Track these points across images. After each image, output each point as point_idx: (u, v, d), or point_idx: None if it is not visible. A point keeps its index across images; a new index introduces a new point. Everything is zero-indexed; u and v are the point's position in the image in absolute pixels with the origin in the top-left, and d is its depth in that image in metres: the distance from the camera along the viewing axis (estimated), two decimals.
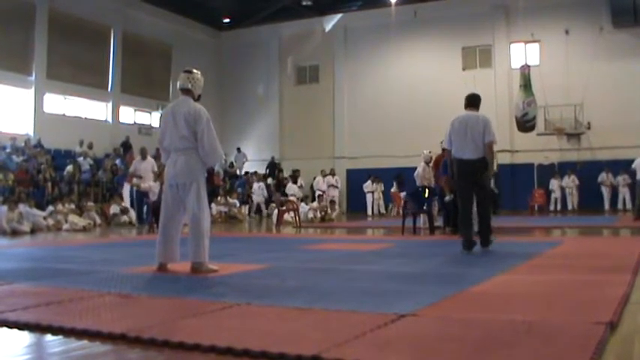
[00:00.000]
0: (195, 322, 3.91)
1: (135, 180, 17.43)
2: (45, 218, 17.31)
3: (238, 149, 31.58)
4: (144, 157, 17.23)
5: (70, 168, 21.33)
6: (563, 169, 26.43)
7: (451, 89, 27.73)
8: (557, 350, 3.10)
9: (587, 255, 8.11)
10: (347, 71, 31.37)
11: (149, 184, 19.45)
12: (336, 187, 26.62)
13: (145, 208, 18.17)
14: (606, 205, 25.38)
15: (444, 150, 9.95)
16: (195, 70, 6.94)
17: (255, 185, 26.39)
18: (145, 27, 29.05)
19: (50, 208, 17.91)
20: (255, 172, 29.52)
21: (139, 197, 17.99)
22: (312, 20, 31.73)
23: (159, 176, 17.02)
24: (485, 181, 8.80)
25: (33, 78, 24.30)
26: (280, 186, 27.64)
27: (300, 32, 32.32)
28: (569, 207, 25.94)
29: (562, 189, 26.17)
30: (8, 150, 21.20)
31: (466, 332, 3.51)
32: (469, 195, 8.69)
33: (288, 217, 19.49)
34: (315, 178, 26.93)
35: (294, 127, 32.12)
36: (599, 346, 3.12)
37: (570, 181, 25.97)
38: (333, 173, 27.17)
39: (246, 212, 25.02)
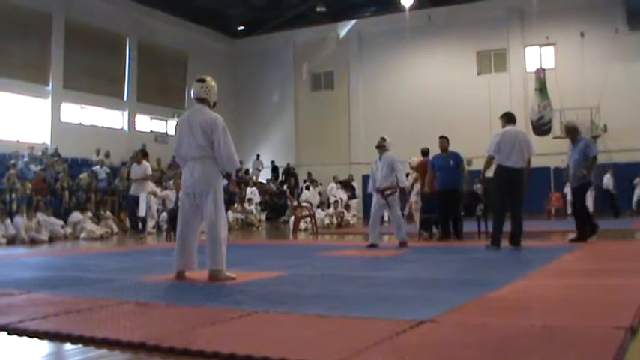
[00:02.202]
0: (214, 329, 3.92)
1: (150, 187, 17.15)
2: (63, 227, 17.42)
3: (257, 156, 31.69)
4: (138, 162, 16.83)
5: (83, 176, 21.39)
6: None
7: (466, 94, 27.77)
8: (576, 355, 3.09)
9: (606, 259, 8.07)
10: (362, 77, 31.39)
11: (166, 192, 19.50)
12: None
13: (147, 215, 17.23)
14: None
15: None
16: (207, 78, 6.93)
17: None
18: (160, 36, 29.19)
19: (78, 216, 17.95)
20: (271, 179, 29.68)
21: (132, 203, 16.98)
22: (326, 27, 31.77)
23: (149, 180, 16.63)
24: (522, 186, 9.90)
25: (50, 88, 24.49)
26: (293, 192, 27.67)
27: (314, 39, 32.38)
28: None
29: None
30: (26, 159, 21.34)
31: (485, 338, 3.49)
32: (505, 197, 9.84)
33: (303, 223, 19.52)
34: (333, 184, 26.91)
35: (310, 134, 32.15)
36: (619, 351, 3.10)
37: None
38: (350, 179, 27.12)
39: (263, 219, 25.01)
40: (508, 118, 10.24)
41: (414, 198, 15.76)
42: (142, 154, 17.30)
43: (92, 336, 3.68)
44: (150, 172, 17.05)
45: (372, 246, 11.06)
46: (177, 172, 18.47)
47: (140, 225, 16.62)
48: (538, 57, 27.83)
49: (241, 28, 33.33)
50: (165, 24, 29.28)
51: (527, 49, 28.38)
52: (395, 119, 29.38)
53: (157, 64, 29.38)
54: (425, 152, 14.97)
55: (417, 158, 15.12)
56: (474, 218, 13.54)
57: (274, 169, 31.56)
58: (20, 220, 16.07)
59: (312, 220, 19.06)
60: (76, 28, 25.35)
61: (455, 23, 28.89)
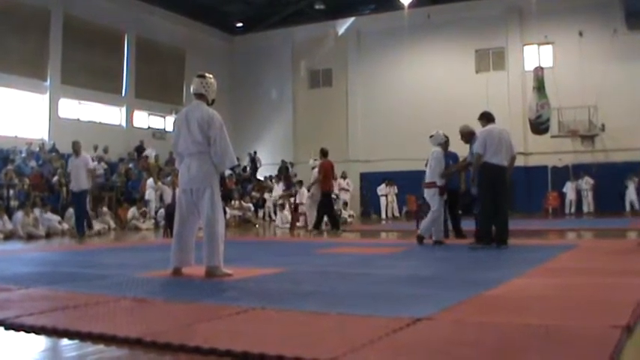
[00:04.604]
0: (211, 326, 3.92)
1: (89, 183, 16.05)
2: (60, 222, 17.41)
3: (255, 153, 31.66)
4: (76, 154, 15.20)
5: None
6: (577, 171, 26.30)
7: (464, 92, 27.76)
8: (573, 354, 3.09)
9: (603, 258, 8.07)
10: (360, 75, 31.37)
11: (163, 187, 19.42)
12: (347, 190, 26.53)
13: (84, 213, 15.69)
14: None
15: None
16: (208, 75, 6.92)
17: None
18: (159, 32, 29.16)
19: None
20: (272, 177, 29.70)
21: (76, 200, 15.68)
22: (325, 24, 31.75)
23: (93, 176, 15.72)
24: (507, 184, 9.96)
25: (48, 83, 24.46)
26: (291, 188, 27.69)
27: (313, 36, 32.34)
28: (585, 209, 25.78)
29: (577, 191, 26.03)
30: (24, 155, 21.32)
31: (482, 336, 3.50)
32: (493, 194, 9.74)
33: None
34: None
35: (308, 131, 32.08)
36: (615, 350, 3.10)
37: (584, 183, 25.82)
38: (344, 176, 27.15)
39: (261, 216, 25.02)
40: (488, 118, 10.17)
41: (307, 201, 16.14)
42: (74, 145, 15.52)
43: (89, 332, 3.68)
44: (91, 165, 15.62)
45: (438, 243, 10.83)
46: (175, 169, 18.35)
47: (85, 223, 15.48)
48: (537, 56, 27.80)
49: (240, 24, 33.30)
50: (164, 20, 29.25)
51: (526, 48, 28.41)
52: (393, 117, 29.44)
53: (155, 60, 29.35)
54: (325, 153, 14.85)
55: (313, 159, 15.21)
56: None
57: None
58: (17, 215, 16.06)
59: (305, 218, 19.05)
60: (74, 24, 25.31)
61: (454, 21, 28.88)
